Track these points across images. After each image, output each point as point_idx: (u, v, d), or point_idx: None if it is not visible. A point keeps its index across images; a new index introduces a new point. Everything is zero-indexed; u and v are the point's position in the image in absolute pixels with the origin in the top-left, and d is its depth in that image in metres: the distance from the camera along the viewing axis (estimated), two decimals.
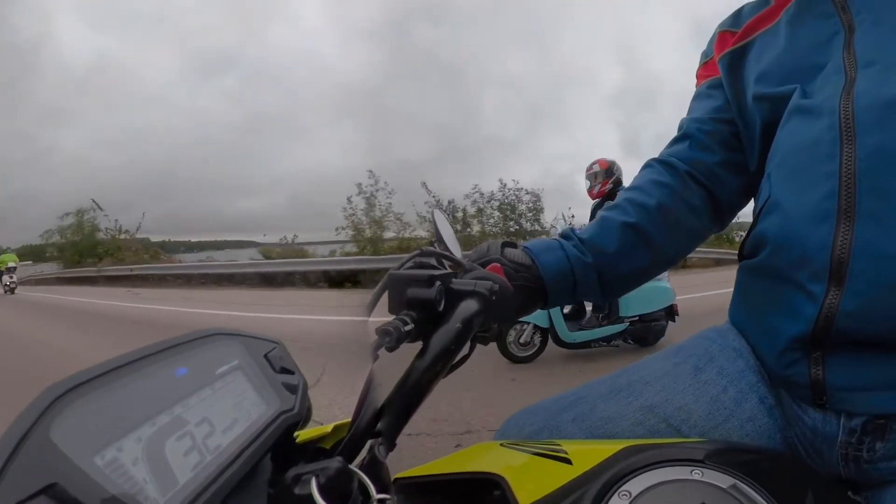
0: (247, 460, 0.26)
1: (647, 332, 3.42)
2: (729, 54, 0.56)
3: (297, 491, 0.27)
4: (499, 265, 0.50)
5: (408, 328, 0.36)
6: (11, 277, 12.48)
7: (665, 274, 4.09)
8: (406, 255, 0.44)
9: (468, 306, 0.40)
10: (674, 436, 0.47)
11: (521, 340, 3.28)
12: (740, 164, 0.57)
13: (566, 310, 3.43)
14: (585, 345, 3.33)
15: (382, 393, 0.36)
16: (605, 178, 3.71)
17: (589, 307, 3.55)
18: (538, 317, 3.21)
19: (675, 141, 0.61)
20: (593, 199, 3.81)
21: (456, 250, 0.50)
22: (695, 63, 0.65)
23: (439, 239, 0.50)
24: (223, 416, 0.27)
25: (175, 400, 0.25)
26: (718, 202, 0.59)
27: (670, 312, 3.50)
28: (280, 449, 0.30)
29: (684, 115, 0.63)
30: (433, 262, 0.44)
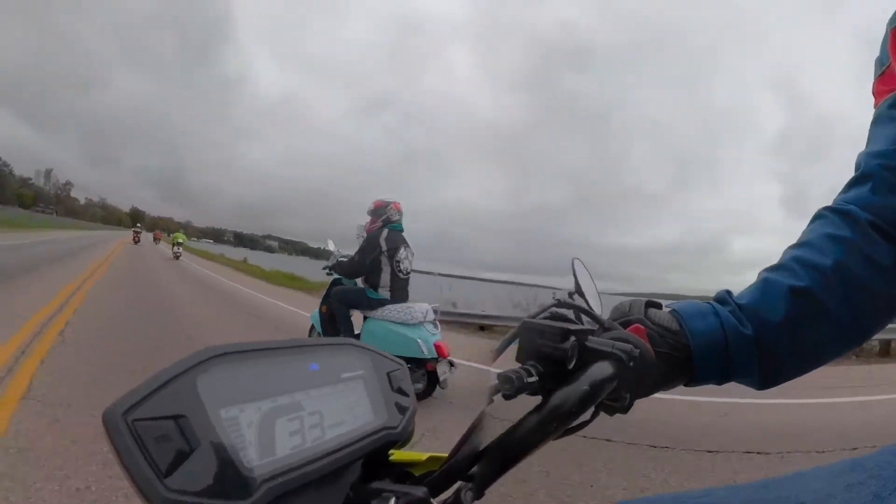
0: (339, 458, 0.28)
1: None
2: None
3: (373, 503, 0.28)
4: (642, 327, 0.43)
5: (531, 379, 0.35)
6: (178, 249, 21.40)
7: (428, 316, 3.07)
8: (543, 305, 0.43)
9: (601, 369, 0.36)
10: None
11: None
12: None
13: None
14: None
15: (486, 438, 0.35)
16: (374, 217, 3.32)
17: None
18: None
19: (854, 183, 0.47)
20: None
21: (596, 305, 0.46)
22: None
23: (579, 291, 0.47)
24: (334, 414, 0.30)
25: (299, 388, 0.29)
26: None
27: (426, 372, 2.69)
28: (373, 460, 0.31)
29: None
30: (571, 315, 0.42)
